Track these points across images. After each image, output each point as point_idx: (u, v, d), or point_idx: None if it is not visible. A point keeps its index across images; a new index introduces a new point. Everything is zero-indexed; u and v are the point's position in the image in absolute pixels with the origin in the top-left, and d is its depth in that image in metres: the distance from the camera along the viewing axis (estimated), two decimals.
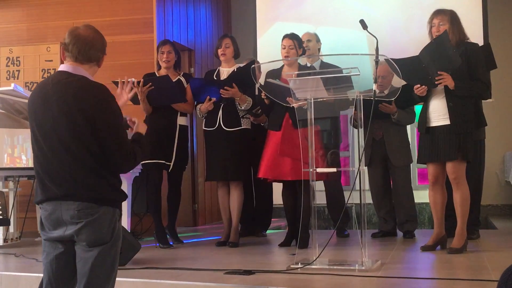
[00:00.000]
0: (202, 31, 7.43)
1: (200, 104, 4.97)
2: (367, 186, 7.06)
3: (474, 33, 5.02)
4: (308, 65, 5.12)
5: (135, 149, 2.50)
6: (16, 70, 6.49)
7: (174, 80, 5.00)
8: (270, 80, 4.55)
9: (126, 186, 5.00)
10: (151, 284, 3.50)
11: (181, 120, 5.08)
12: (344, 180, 6.81)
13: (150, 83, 4.84)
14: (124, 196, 2.52)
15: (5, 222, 5.13)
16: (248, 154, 4.96)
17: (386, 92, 5.05)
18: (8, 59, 6.51)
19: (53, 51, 6.37)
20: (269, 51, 6.99)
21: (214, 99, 4.88)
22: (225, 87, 4.79)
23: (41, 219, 2.47)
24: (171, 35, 6.48)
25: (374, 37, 3.92)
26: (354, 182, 3.75)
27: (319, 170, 3.97)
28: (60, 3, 6.44)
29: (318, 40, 5.45)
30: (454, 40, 4.23)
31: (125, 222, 4.93)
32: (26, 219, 5.50)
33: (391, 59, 4.12)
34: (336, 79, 3.90)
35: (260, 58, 6.99)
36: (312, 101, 3.89)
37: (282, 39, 4.77)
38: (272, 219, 5.92)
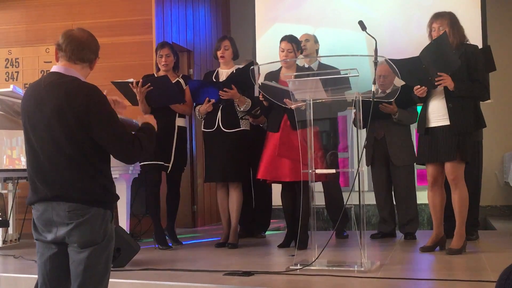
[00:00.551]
0: (201, 32, 7.44)
1: (199, 106, 4.97)
2: (366, 187, 7.09)
3: (473, 35, 5.02)
4: (306, 66, 5.12)
5: (139, 136, 2.50)
6: (15, 71, 6.49)
7: (173, 82, 5.00)
8: (266, 82, 4.55)
9: (125, 187, 5.01)
10: (150, 286, 3.50)
11: (180, 122, 5.08)
12: (344, 181, 6.81)
13: (149, 84, 4.84)
14: (116, 198, 2.52)
15: (4, 224, 5.13)
16: (247, 155, 4.96)
17: (388, 91, 5.05)
18: (7, 60, 6.51)
19: (52, 52, 6.28)
20: (268, 52, 7.00)
21: (213, 100, 4.88)
22: (224, 89, 4.80)
23: (33, 219, 2.48)
24: (170, 36, 6.49)
25: (373, 38, 3.92)
26: (353, 183, 3.75)
27: (318, 171, 3.97)
28: (59, 5, 6.44)
29: (316, 41, 5.45)
30: (454, 42, 4.24)
31: (124, 223, 4.93)
32: (25, 220, 5.49)
33: (391, 60, 4.13)
34: (335, 80, 3.91)
35: (259, 59, 7.00)
36: (311, 102, 3.89)
37: (281, 41, 4.76)
38: (271, 220, 5.92)
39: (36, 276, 2.57)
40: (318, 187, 4.73)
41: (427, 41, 4.31)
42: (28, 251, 4.82)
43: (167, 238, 5.04)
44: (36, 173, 2.43)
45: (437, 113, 4.25)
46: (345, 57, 4.54)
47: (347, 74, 3.77)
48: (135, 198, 5.52)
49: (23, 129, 2.49)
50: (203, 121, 5.07)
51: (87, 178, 2.40)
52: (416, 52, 4.24)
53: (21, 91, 5.00)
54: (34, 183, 2.44)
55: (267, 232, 5.77)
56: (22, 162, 5.01)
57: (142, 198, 5.55)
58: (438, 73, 4.11)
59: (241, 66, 5.02)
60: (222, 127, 4.91)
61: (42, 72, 6.38)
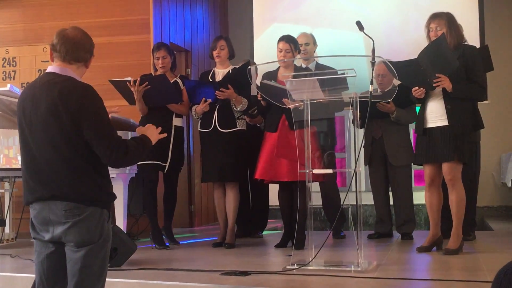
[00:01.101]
0: (199, 32, 7.43)
1: (196, 106, 4.97)
2: (363, 187, 7.11)
3: (471, 35, 5.04)
4: (304, 66, 5.13)
5: (128, 143, 2.49)
6: (12, 71, 6.48)
7: (171, 82, 5.00)
8: (265, 81, 4.55)
9: (122, 187, 5.01)
10: (147, 285, 3.50)
11: (177, 121, 5.08)
12: (341, 181, 6.82)
13: (147, 82, 4.84)
14: (113, 197, 2.53)
15: (1, 223, 5.12)
16: (243, 155, 4.96)
17: (387, 90, 5.05)
18: (4, 60, 6.50)
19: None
20: (265, 52, 7.01)
21: (209, 100, 4.88)
22: (220, 89, 4.80)
23: (31, 218, 2.48)
24: (167, 36, 6.48)
25: (371, 38, 3.93)
26: (350, 183, 3.75)
27: (315, 171, 3.97)
28: (56, 4, 6.43)
29: (315, 43, 5.46)
30: (452, 43, 4.25)
31: (121, 223, 4.93)
32: (22, 219, 5.48)
33: (389, 61, 4.14)
34: (332, 81, 3.92)
35: (257, 59, 7.01)
36: (309, 102, 3.89)
37: (278, 42, 4.76)
38: (268, 220, 5.93)
39: (33, 275, 2.58)
40: (315, 187, 4.74)
41: (424, 42, 4.32)
42: (24, 250, 4.82)
43: (164, 237, 5.04)
44: (31, 173, 2.44)
45: (435, 114, 4.26)
46: (342, 57, 4.55)
47: (344, 74, 3.77)
48: (132, 198, 5.52)
49: (18, 129, 2.49)
50: (199, 121, 5.07)
51: (84, 178, 2.40)
52: (413, 53, 4.25)
53: (18, 91, 5.00)
54: (29, 183, 2.45)
55: (264, 232, 5.77)
56: (18, 162, 5.00)
57: (139, 198, 5.55)
58: (436, 75, 4.11)
59: (237, 66, 5.02)
60: (218, 127, 4.91)
61: (39, 71, 6.38)
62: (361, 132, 4.78)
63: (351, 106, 3.81)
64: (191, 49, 7.08)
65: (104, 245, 2.45)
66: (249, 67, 4.61)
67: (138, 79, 4.87)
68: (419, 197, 5.42)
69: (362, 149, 4.98)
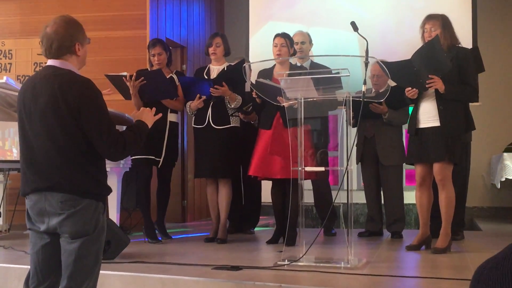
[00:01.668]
0: (195, 28, 7.46)
1: (190, 102, 5.01)
2: (355, 186, 7.16)
3: (463, 37, 5.09)
4: (299, 64, 5.17)
5: (125, 134, 2.53)
6: (8, 63, 6.50)
7: (166, 78, 5.04)
8: (260, 80, 4.60)
9: (116, 181, 5.03)
10: (139, 278, 3.54)
11: (172, 117, 5.11)
12: (333, 179, 6.87)
13: (142, 78, 4.87)
14: (108, 190, 2.56)
15: None
16: (236, 152, 5.00)
17: (381, 90, 5.10)
18: (0, 52, 6.52)
19: None
20: (261, 50, 7.04)
21: (204, 97, 4.91)
22: (215, 86, 4.83)
23: (27, 209, 2.52)
24: (164, 31, 6.51)
25: (365, 39, 3.97)
26: (342, 182, 3.80)
27: (308, 169, 4.02)
28: None
29: (310, 41, 5.50)
30: (446, 45, 4.29)
31: (114, 217, 4.96)
32: (16, 211, 5.51)
33: (383, 61, 4.18)
34: (326, 80, 3.96)
35: (252, 57, 7.04)
36: (302, 100, 3.94)
37: (274, 38, 4.82)
38: (260, 217, 5.97)
39: (27, 266, 2.61)
40: (307, 185, 4.78)
41: (418, 43, 4.37)
42: (18, 242, 4.84)
43: (156, 232, 5.07)
44: (29, 164, 2.47)
45: (428, 114, 4.30)
46: (337, 57, 4.60)
47: (338, 73, 3.81)
48: (126, 192, 5.55)
49: (18, 121, 2.53)
50: (193, 117, 5.10)
51: (81, 170, 2.44)
52: (407, 53, 4.29)
53: (14, 83, 5.01)
54: (27, 174, 2.48)
55: (256, 229, 5.82)
56: (13, 154, 5.02)
57: (132, 192, 5.58)
58: (430, 76, 4.16)
59: (232, 63, 5.06)
60: (212, 124, 4.95)
61: (35, 64, 6.39)
62: (353, 131, 4.82)
63: (344, 105, 3.85)
64: (187, 45, 7.11)
65: (99, 238, 2.49)
66: (244, 65, 4.65)
67: (134, 74, 4.90)
68: (410, 196, 5.48)
69: (355, 148, 5.04)
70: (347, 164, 3.76)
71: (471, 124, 4.70)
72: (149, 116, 2.72)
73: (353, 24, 4.21)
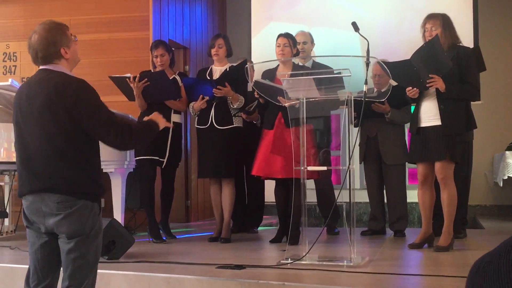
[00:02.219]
0: (198, 29, 7.50)
1: (193, 102, 5.04)
2: (357, 185, 7.18)
3: (465, 36, 5.11)
4: (301, 64, 5.20)
5: (132, 125, 2.56)
6: (13, 65, 6.54)
7: (169, 79, 5.07)
8: (260, 80, 4.63)
9: (120, 182, 5.08)
10: (144, 277, 3.57)
11: (175, 118, 5.14)
12: (336, 178, 6.90)
13: (146, 79, 4.91)
14: (104, 191, 2.60)
15: (3, 215, 5.19)
16: (239, 152, 5.03)
17: (383, 90, 5.12)
18: (5, 54, 6.56)
19: None
20: (263, 50, 7.08)
21: (207, 97, 4.95)
22: (218, 87, 4.87)
23: (23, 209, 2.56)
24: (166, 33, 6.55)
25: (366, 39, 3.99)
26: (344, 181, 3.83)
27: (310, 168, 4.05)
28: (57, 0, 6.49)
29: (312, 41, 5.53)
30: (446, 44, 4.31)
31: (119, 217, 5.00)
32: (21, 212, 5.55)
33: (383, 61, 4.21)
34: (328, 79, 3.99)
35: (254, 57, 7.07)
36: (304, 100, 3.96)
37: (277, 38, 4.85)
38: (263, 216, 5.99)
39: None
40: (310, 184, 4.81)
41: (419, 42, 4.39)
42: (24, 242, 4.84)
43: (161, 232, 5.11)
44: (26, 166, 2.51)
45: (429, 114, 4.33)
46: (339, 57, 4.63)
47: (339, 73, 3.84)
48: (130, 192, 5.59)
49: (14, 124, 2.57)
50: (196, 117, 5.14)
51: (77, 171, 2.47)
52: (408, 53, 4.32)
53: (18, 85, 5.06)
54: (24, 176, 2.52)
55: (259, 228, 5.84)
56: None
57: (136, 193, 5.62)
58: (430, 75, 4.19)
59: (234, 64, 5.09)
60: (215, 124, 4.98)
61: None
62: (355, 130, 4.85)
63: (346, 105, 3.88)
64: (190, 46, 7.14)
65: (96, 238, 2.53)
66: (246, 65, 4.69)
67: (138, 75, 4.94)
68: (413, 195, 5.50)
69: (357, 147, 5.07)
70: (349, 163, 3.79)
71: (472, 122, 4.73)
72: (161, 119, 2.76)
73: (354, 24, 4.23)
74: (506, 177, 6.79)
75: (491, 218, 7.38)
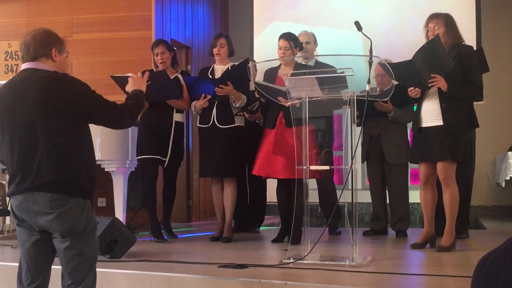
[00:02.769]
0: (200, 29, 7.50)
1: (195, 101, 5.04)
2: (359, 185, 7.17)
3: (467, 36, 5.10)
4: (304, 64, 5.19)
5: (128, 105, 2.65)
6: (15, 64, 6.54)
7: (171, 78, 5.07)
8: (260, 82, 4.63)
9: (121, 181, 5.08)
10: (146, 276, 3.57)
11: (177, 117, 5.14)
12: (338, 178, 6.89)
13: (148, 78, 4.89)
14: (95, 186, 2.59)
15: (5, 213, 5.19)
16: (241, 151, 5.03)
17: (386, 89, 5.11)
18: (6, 53, 6.57)
19: None
20: (265, 50, 7.08)
21: (209, 96, 4.94)
22: (220, 85, 4.86)
23: (12, 208, 2.54)
24: (169, 32, 6.55)
25: (369, 38, 3.99)
26: (346, 181, 3.82)
27: (312, 167, 4.04)
28: None
29: (315, 42, 5.52)
30: (449, 43, 4.30)
31: (121, 216, 5.00)
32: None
33: (386, 61, 4.20)
34: (331, 79, 3.98)
35: (257, 57, 7.07)
36: (307, 100, 3.96)
37: (279, 39, 4.83)
38: (265, 216, 5.99)
39: None
40: (312, 184, 4.80)
41: (421, 42, 4.38)
42: None
43: (162, 231, 5.10)
44: (17, 166, 2.49)
45: (431, 113, 4.32)
46: (342, 56, 4.62)
47: (342, 73, 3.84)
48: (132, 192, 5.59)
49: None
50: (198, 116, 5.13)
51: (68, 169, 2.47)
52: (410, 53, 4.31)
53: None
54: (16, 175, 2.50)
55: (261, 228, 5.84)
56: None
57: (138, 192, 5.61)
58: (432, 75, 4.18)
59: (236, 63, 5.09)
60: (217, 123, 4.97)
61: None
62: (358, 129, 4.84)
63: (348, 105, 3.88)
64: (192, 45, 7.14)
65: (92, 234, 2.53)
66: (249, 64, 4.68)
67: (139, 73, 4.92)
68: (415, 195, 5.50)
69: (359, 147, 5.06)
70: (352, 163, 3.78)
71: (474, 122, 4.72)
72: (141, 83, 2.86)
73: (357, 24, 4.23)
74: (508, 178, 6.78)
75: (493, 219, 7.37)
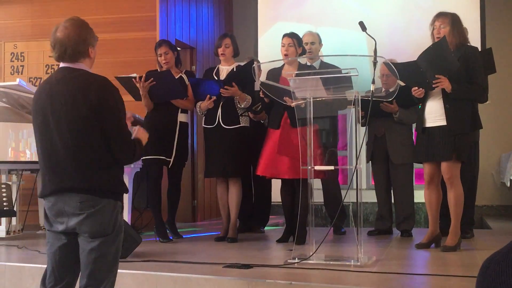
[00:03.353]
0: (204, 29, 7.51)
1: (200, 102, 5.05)
2: (364, 185, 7.17)
3: (472, 36, 5.10)
4: (308, 64, 5.20)
5: (136, 146, 2.58)
6: (20, 65, 6.57)
7: (176, 78, 5.08)
8: (266, 81, 4.63)
9: (127, 181, 5.07)
10: (151, 276, 3.58)
11: (182, 117, 5.15)
12: (342, 178, 6.89)
13: (152, 78, 4.92)
14: (126, 189, 2.60)
15: (11, 213, 5.21)
16: (246, 152, 5.03)
17: (391, 90, 5.11)
18: (12, 55, 6.60)
19: None
20: (269, 50, 7.08)
21: (214, 97, 4.95)
22: (225, 86, 4.87)
23: (45, 210, 2.55)
24: (173, 33, 6.56)
25: (373, 38, 3.99)
26: (351, 180, 3.83)
27: (317, 167, 4.05)
28: (64, 0, 6.52)
29: (320, 42, 5.51)
30: (454, 43, 4.29)
31: (126, 216, 5.01)
32: (29, 212, 5.58)
33: (390, 61, 4.20)
34: (336, 79, 3.98)
35: (261, 57, 7.08)
36: (311, 100, 3.96)
37: (282, 38, 4.85)
38: (270, 216, 5.99)
39: (40, 265, 2.66)
40: (317, 184, 4.81)
41: (426, 42, 4.38)
42: (31, 241, 4.90)
43: (167, 231, 5.12)
44: (49, 166, 2.49)
45: (435, 114, 4.32)
46: (347, 57, 4.62)
47: (346, 73, 3.84)
48: (137, 192, 5.60)
49: (35, 124, 2.55)
50: (203, 117, 5.15)
51: (100, 170, 2.47)
52: (415, 53, 4.31)
53: (26, 85, 5.08)
54: (48, 176, 2.50)
55: (266, 228, 5.84)
56: (27, 155, 5.09)
57: (143, 192, 5.63)
58: (436, 75, 4.18)
59: (241, 64, 5.10)
60: (222, 124, 4.99)
61: (47, 66, 6.47)
62: (362, 129, 4.85)
63: (353, 105, 3.88)
64: (196, 46, 7.16)
65: (117, 237, 2.53)
66: (253, 65, 4.69)
67: (144, 75, 4.95)
68: (419, 195, 5.50)
69: (364, 147, 5.07)
70: (357, 163, 3.79)
71: (478, 122, 4.72)
72: (143, 134, 2.72)
73: (361, 24, 4.23)
74: None
75: (498, 219, 7.36)
